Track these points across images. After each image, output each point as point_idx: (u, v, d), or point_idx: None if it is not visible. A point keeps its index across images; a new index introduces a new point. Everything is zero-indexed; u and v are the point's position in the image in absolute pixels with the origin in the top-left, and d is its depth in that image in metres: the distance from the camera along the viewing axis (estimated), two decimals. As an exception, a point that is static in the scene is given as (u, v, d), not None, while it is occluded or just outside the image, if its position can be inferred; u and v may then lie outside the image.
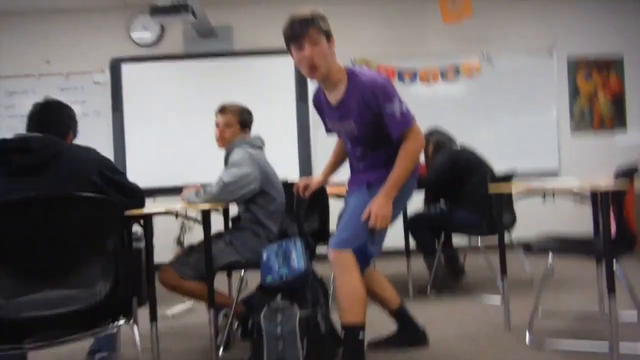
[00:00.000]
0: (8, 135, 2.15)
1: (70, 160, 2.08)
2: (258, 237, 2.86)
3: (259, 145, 3.03)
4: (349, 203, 2.46)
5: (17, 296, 1.76)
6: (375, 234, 2.31)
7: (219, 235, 2.92)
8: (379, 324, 2.74)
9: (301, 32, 2.22)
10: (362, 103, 2.28)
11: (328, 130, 2.65)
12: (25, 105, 5.43)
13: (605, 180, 2.53)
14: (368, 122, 2.31)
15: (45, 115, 2.29)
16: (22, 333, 1.80)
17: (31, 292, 1.79)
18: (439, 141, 4.05)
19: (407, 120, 2.27)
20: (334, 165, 2.80)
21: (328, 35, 2.27)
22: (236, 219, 3.12)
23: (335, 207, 3.57)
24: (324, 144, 5.34)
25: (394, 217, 2.35)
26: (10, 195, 1.88)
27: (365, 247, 2.30)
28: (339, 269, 2.29)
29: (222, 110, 3.04)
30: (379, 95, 2.24)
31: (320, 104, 2.53)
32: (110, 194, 2.09)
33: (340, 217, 2.50)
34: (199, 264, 2.70)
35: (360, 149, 2.44)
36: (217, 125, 3.03)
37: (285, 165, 5.22)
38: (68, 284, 1.83)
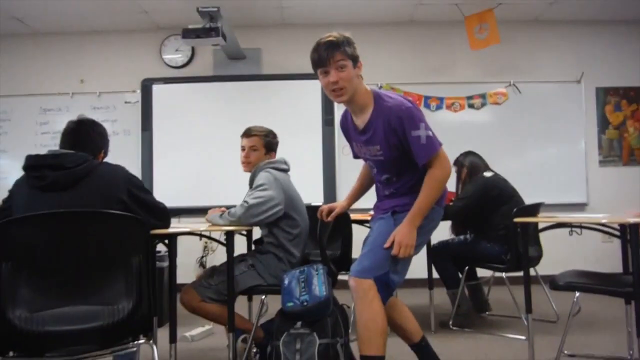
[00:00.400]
0: (41, 151, 2.20)
1: (99, 177, 2.12)
2: (280, 261, 2.85)
3: (284, 168, 3.03)
4: (373, 229, 2.41)
5: (42, 310, 1.78)
6: (399, 263, 2.27)
7: (241, 258, 2.92)
8: (400, 356, 2.69)
9: (327, 57, 2.22)
10: (387, 127, 2.25)
11: (355, 155, 2.62)
12: (58, 123, 5.60)
13: (635, 214, 2.47)
14: (393, 147, 2.28)
15: (78, 133, 2.34)
16: (44, 346, 1.81)
17: (56, 306, 1.81)
18: (473, 165, 3.93)
19: (433, 146, 2.23)
20: (359, 191, 2.76)
21: (355, 60, 2.26)
22: (258, 242, 3.12)
23: (358, 233, 3.56)
24: (349, 170, 5.34)
25: (418, 246, 2.31)
26: (41, 209, 1.92)
27: (388, 276, 2.24)
28: (359, 297, 2.23)
29: (248, 133, 3.06)
30: (405, 120, 2.21)
31: (347, 128, 2.51)
32: (137, 212, 2.11)
33: (365, 241, 2.46)
34: (221, 287, 2.70)
35: (385, 175, 2.41)
36: (243, 148, 3.05)
37: (309, 190, 5.21)
38: (92, 300, 1.84)
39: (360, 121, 2.37)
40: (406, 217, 2.25)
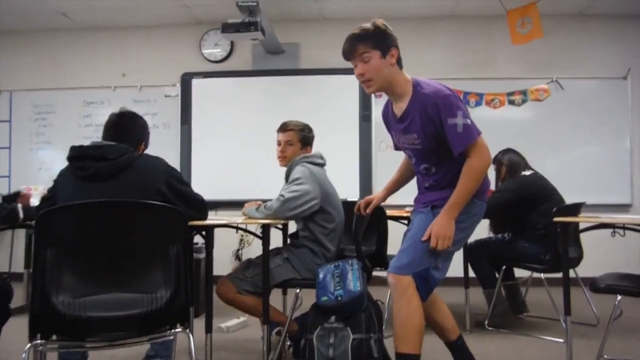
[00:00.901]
0: (84, 143, 2.27)
1: (140, 169, 2.18)
2: (315, 255, 2.86)
3: (320, 163, 3.04)
4: (413, 224, 2.37)
5: (84, 296, 1.83)
6: (440, 259, 2.23)
7: (276, 251, 2.94)
8: (431, 354, 2.67)
9: (350, 50, 2.23)
10: (424, 115, 2.21)
11: (396, 145, 2.58)
12: (100, 115, 5.74)
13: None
14: (430, 136, 2.24)
15: (119, 126, 2.40)
16: (85, 331, 1.86)
17: (97, 293, 1.85)
18: (512, 163, 3.83)
19: (470, 134, 2.17)
20: (398, 182, 2.73)
21: (385, 49, 2.23)
22: (294, 236, 3.13)
23: (394, 230, 3.54)
24: (386, 166, 5.33)
25: (460, 241, 2.27)
26: (83, 199, 1.98)
27: (428, 272, 2.20)
28: (398, 294, 2.20)
29: (284, 128, 3.07)
30: (441, 107, 2.17)
31: (388, 117, 2.49)
32: (175, 203, 2.15)
33: (404, 236, 2.43)
34: (256, 280, 2.72)
35: (424, 165, 2.38)
36: (279, 143, 3.07)
37: (345, 185, 5.21)
38: (131, 288, 1.89)
39: (399, 109, 2.34)
40: (443, 208, 2.21)
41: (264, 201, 2.83)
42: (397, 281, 2.20)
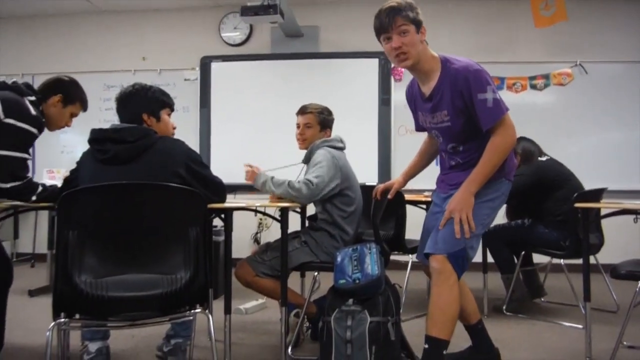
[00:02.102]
0: (104, 126, 2.29)
1: (159, 151, 2.19)
2: (333, 238, 2.86)
3: (340, 146, 3.03)
4: (443, 207, 2.33)
5: (106, 276, 1.86)
6: (473, 239, 2.22)
7: (295, 234, 2.95)
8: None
9: (388, 23, 2.19)
10: (454, 89, 2.20)
11: (419, 127, 2.55)
12: (120, 98, 5.77)
13: None
14: (459, 112, 2.22)
15: (122, 108, 2.43)
16: (107, 311, 1.90)
17: (118, 273, 1.89)
18: (526, 150, 3.81)
19: (500, 109, 2.16)
20: (417, 166, 2.72)
21: (418, 24, 2.22)
22: (312, 218, 3.14)
23: (412, 214, 3.54)
24: (405, 150, 5.31)
25: (484, 221, 2.27)
26: (103, 181, 2.00)
27: (465, 252, 2.20)
28: (440, 279, 2.19)
29: (303, 110, 3.07)
30: (472, 81, 2.15)
31: (414, 97, 2.47)
32: (194, 186, 2.16)
33: (427, 218, 2.42)
34: (274, 263, 2.74)
35: (451, 143, 2.35)
36: (298, 126, 3.07)
37: (364, 169, 5.21)
38: (152, 269, 1.92)
39: (427, 88, 2.32)
40: (463, 183, 2.21)
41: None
42: (442, 266, 2.18)
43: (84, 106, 2.72)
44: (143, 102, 2.42)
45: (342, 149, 3.04)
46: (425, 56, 2.26)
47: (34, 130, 2.43)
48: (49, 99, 2.59)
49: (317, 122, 3.03)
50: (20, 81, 2.54)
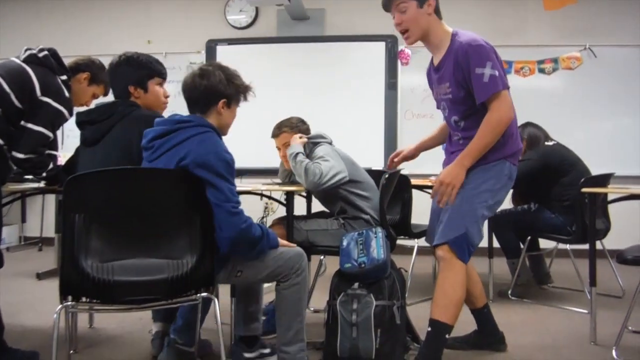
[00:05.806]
0: None
1: (122, 129, 2.26)
2: (368, 223, 2.80)
3: (329, 141, 3.00)
4: None
5: (111, 260, 1.87)
6: (476, 223, 2.24)
7: (323, 214, 2.95)
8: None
9: (389, 1, 2.25)
10: (455, 62, 2.23)
11: (437, 102, 2.52)
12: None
13: None
14: (460, 85, 2.24)
15: (112, 82, 2.48)
16: (113, 294, 1.91)
17: (124, 257, 1.89)
18: (532, 136, 3.80)
19: (495, 85, 2.16)
20: (433, 140, 2.72)
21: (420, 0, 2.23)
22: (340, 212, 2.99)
23: (418, 199, 3.53)
24: (411, 135, 5.27)
25: (494, 205, 2.29)
26: (84, 165, 2.13)
27: (466, 236, 2.22)
28: (446, 266, 2.24)
29: (276, 133, 3.07)
30: (471, 54, 2.18)
31: (430, 72, 2.50)
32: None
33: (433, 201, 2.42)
34: (311, 235, 2.75)
35: (454, 117, 2.37)
36: (278, 148, 3.04)
37: (370, 154, 5.20)
38: (158, 254, 1.91)
39: (437, 59, 2.37)
40: (456, 158, 2.23)
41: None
42: (446, 254, 2.24)
43: (106, 89, 2.73)
44: (129, 73, 2.40)
45: (331, 142, 3.00)
46: (434, 30, 2.29)
47: (66, 113, 2.45)
48: (77, 74, 2.62)
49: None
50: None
